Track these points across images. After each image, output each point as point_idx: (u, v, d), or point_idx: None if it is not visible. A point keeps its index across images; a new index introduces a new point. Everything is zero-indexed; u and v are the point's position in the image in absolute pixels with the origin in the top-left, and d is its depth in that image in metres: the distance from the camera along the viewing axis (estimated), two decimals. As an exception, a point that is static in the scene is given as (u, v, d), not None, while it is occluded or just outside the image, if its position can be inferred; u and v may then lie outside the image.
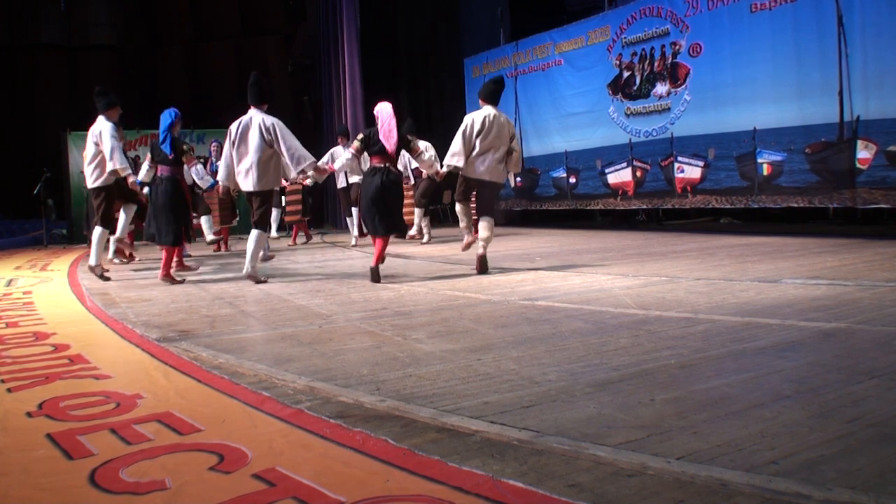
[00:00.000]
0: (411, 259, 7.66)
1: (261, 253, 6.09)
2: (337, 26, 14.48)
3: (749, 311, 3.69)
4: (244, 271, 5.93)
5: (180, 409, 2.34)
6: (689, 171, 9.63)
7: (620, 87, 10.70)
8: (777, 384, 2.39)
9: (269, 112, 6.02)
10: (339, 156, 9.28)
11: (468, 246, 6.26)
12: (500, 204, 6.26)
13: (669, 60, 9.85)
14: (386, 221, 5.61)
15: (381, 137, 5.62)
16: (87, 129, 6.79)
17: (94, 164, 6.48)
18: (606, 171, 10.90)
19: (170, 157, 6.08)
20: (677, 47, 9.70)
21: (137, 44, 16.98)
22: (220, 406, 2.41)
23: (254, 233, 5.88)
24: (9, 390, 2.70)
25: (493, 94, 6.06)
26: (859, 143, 7.59)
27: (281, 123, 5.87)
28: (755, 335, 3.14)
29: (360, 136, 5.84)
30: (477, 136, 5.87)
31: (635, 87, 10.43)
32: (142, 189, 6.97)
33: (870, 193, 7.55)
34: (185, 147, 6.16)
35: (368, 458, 1.85)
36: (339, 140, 10.06)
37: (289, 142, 5.79)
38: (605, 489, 1.60)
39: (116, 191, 6.62)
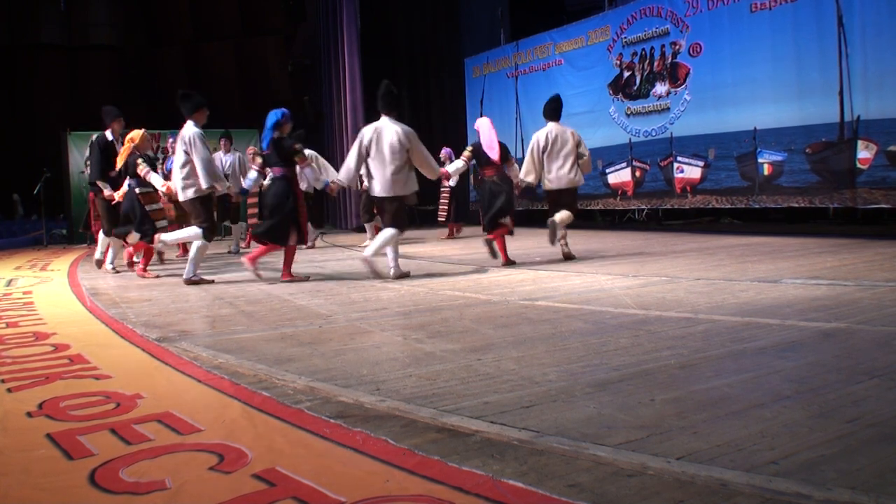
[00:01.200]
0: (411, 259, 7.66)
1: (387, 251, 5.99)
2: (337, 26, 14.47)
3: (749, 311, 3.68)
4: (391, 273, 5.85)
5: (180, 409, 2.34)
6: (689, 171, 9.63)
7: (621, 87, 10.70)
8: (777, 384, 2.39)
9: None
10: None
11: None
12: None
13: (669, 60, 9.86)
14: (491, 219, 6.37)
15: (485, 150, 6.36)
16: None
17: (185, 173, 5.92)
18: (607, 171, 10.90)
19: (273, 159, 5.90)
20: (677, 47, 9.70)
21: (137, 44, 16.99)
22: (220, 406, 2.41)
23: (387, 231, 5.92)
24: (9, 390, 2.70)
25: (554, 112, 6.82)
26: (860, 143, 7.58)
27: (414, 132, 6.03)
28: (755, 335, 3.14)
29: (470, 147, 6.61)
30: (542, 152, 6.66)
31: (636, 87, 10.43)
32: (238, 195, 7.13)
33: (870, 193, 7.55)
34: (296, 147, 5.95)
35: (368, 458, 1.85)
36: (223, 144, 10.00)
37: (423, 149, 6.05)
38: (605, 489, 1.60)
39: (210, 198, 6.20)
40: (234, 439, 2.02)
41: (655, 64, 10.08)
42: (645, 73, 10.26)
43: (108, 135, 7.15)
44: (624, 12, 10.69)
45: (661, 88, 10.01)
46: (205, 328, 3.96)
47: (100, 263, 7.23)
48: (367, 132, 5.93)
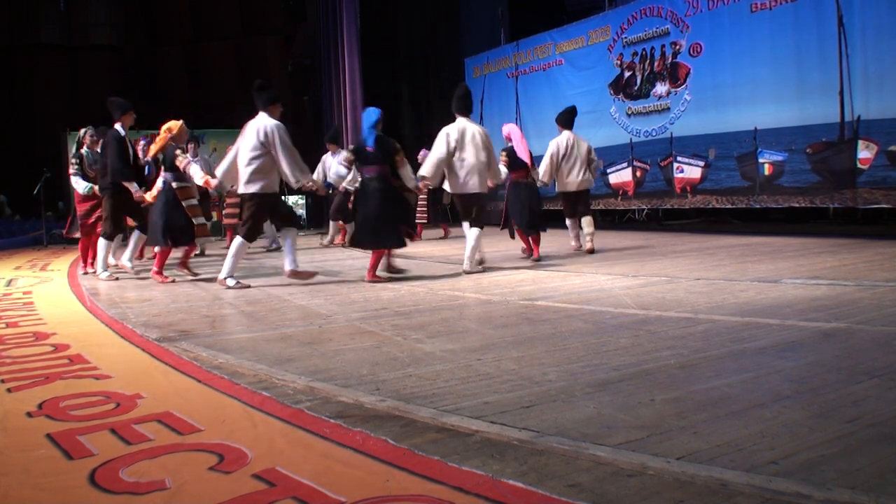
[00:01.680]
0: (411, 259, 7.66)
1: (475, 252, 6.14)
2: (337, 26, 14.47)
3: (749, 311, 3.68)
4: (464, 268, 6.07)
5: (180, 409, 2.34)
6: (689, 171, 9.63)
7: (622, 87, 10.70)
8: (777, 384, 2.39)
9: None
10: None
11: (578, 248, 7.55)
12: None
13: (669, 60, 9.86)
14: (530, 220, 6.74)
15: (519, 155, 6.75)
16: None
17: (255, 167, 5.54)
18: (608, 171, 10.90)
19: (378, 157, 5.68)
20: (677, 47, 9.70)
21: (137, 44, 16.98)
22: (220, 406, 2.41)
23: (472, 231, 6.10)
24: (9, 390, 2.70)
25: (569, 121, 7.52)
26: (860, 143, 7.59)
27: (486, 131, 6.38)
28: (755, 335, 3.14)
29: (505, 151, 6.86)
30: (561, 158, 7.36)
31: (636, 87, 10.43)
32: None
33: (870, 193, 7.55)
34: (398, 146, 5.83)
35: (368, 458, 1.85)
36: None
37: (493, 149, 6.37)
38: (605, 489, 1.60)
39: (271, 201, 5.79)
40: (234, 439, 2.02)
41: (656, 64, 10.08)
42: (645, 73, 10.26)
43: (121, 129, 6.54)
44: (624, 12, 10.70)
45: (661, 88, 10.01)
46: (205, 328, 3.96)
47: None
48: (452, 132, 6.11)
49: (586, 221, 7.34)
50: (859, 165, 7.61)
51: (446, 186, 6.35)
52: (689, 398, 2.26)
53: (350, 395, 2.45)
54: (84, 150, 7.02)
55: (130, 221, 6.87)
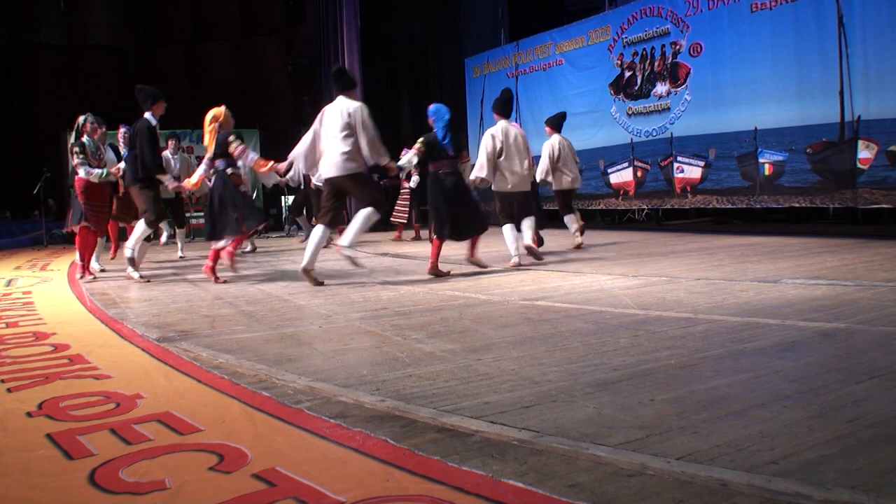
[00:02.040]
0: (411, 259, 7.66)
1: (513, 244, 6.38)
2: (337, 26, 14.47)
3: (749, 311, 3.68)
4: (512, 262, 6.26)
5: (180, 409, 2.34)
6: (689, 171, 9.63)
7: (622, 87, 10.70)
8: (777, 384, 2.39)
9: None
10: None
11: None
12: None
13: (670, 60, 9.86)
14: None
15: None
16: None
17: (346, 148, 5.51)
18: (609, 171, 10.90)
19: (451, 154, 5.94)
20: (678, 47, 9.70)
21: (137, 44, 16.98)
22: (220, 406, 2.41)
23: (530, 219, 6.50)
24: (9, 390, 2.70)
25: (559, 125, 8.02)
26: (860, 143, 7.59)
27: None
28: (755, 335, 3.14)
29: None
30: (557, 159, 7.86)
31: (637, 87, 10.43)
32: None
33: (871, 193, 7.55)
34: (463, 143, 6.25)
35: (368, 458, 1.85)
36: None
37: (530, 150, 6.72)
38: (605, 489, 1.60)
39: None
40: (234, 439, 2.02)
41: (656, 64, 10.08)
42: (646, 73, 10.26)
43: (152, 119, 6.26)
44: (624, 12, 10.70)
45: (661, 88, 10.01)
46: (205, 328, 3.95)
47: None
48: (497, 133, 6.38)
49: (573, 218, 7.88)
50: (859, 165, 7.61)
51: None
52: (689, 398, 2.26)
53: (350, 395, 2.45)
54: (85, 139, 6.57)
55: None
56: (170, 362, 3.10)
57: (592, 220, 12.71)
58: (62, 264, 8.61)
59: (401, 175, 8.61)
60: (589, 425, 2.04)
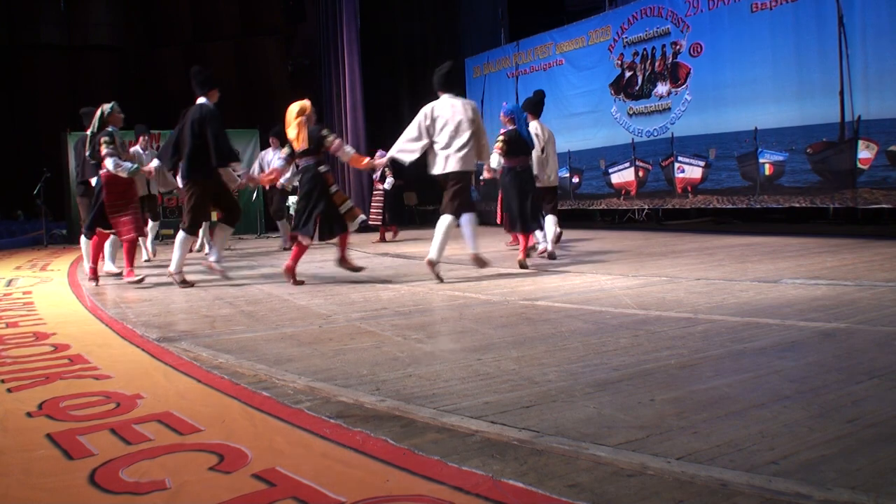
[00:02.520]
0: (411, 259, 7.66)
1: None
2: (337, 26, 14.47)
3: (749, 311, 3.68)
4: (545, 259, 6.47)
5: (180, 409, 2.34)
6: (690, 171, 9.63)
7: (622, 87, 10.70)
8: (777, 384, 2.39)
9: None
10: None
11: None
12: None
13: (670, 60, 9.86)
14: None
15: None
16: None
17: (472, 144, 5.57)
18: (610, 171, 10.90)
19: (531, 148, 6.31)
20: (678, 47, 9.70)
21: (137, 44, 16.99)
22: (220, 406, 2.41)
23: (553, 217, 6.74)
24: (9, 390, 2.70)
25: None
26: (860, 143, 7.59)
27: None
28: (755, 335, 3.14)
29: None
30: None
31: (637, 87, 10.43)
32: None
33: (871, 193, 7.55)
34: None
35: (368, 458, 1.85)
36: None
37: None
38: (605, 489, 1.60)
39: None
40: (234, 439, 2.02)
41: (657, 64, 10.08)
42: (647, 73, 10.26)
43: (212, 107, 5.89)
44: (624, 12, 10.70)
45: (662, 88, 10.01)
46: (205, 328, 3.96)
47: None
48: (541, 130, 6.81)
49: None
50: (859, 165, 7.61)
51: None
52: (689, 398, 2.26)
53: (350, 395, 2.45)
54: (111, 128, 6.00)
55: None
56: (170, 362, 3.10)
57: (592, 220, 12.72)
58: (62, 264, 8.61)
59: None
60: (589, 425, 2.04)
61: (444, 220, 5.59)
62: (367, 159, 6.19)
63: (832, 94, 7.78)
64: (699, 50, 9.42)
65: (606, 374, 2.59)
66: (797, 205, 8.42)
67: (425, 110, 5.75)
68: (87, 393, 2.62)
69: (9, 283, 6.74)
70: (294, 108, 5.73)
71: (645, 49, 10.28)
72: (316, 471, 1.76)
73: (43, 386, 2.75)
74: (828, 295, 4.09)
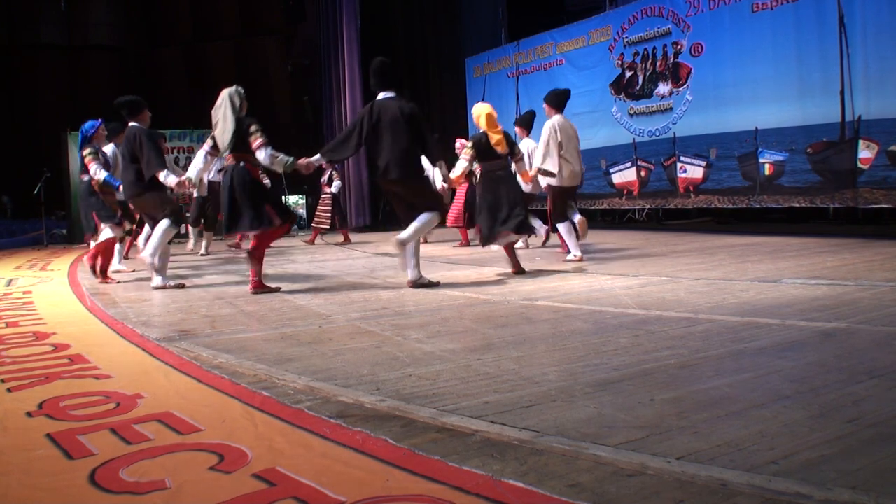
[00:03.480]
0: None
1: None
2: (337, 26, 14.46)
3: (749, 311, 3.68)
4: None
5: (180, 409, 2.34)
6: (692, 170, 9.63)
7: (623, 87, 10.70)
8: (777, 384, 2.39)
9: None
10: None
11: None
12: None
13: (671, 60, 9.86)
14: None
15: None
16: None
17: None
18: (611, 170, 10.90)
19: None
20: (679, 47, 9.70)
21: (137, 44, 16.98)
22: (220, 406, 2.41)
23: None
24: (9, 390, 2.70)
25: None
26: (861, 142, 7.58)
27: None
28: (755, 335, 3.14)
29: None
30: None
31: (638, 87, 10.43)
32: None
33: (871, 193, 7.55)
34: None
35: (368, 458, 1.85)
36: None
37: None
38: (605, 489, 1.60)
39: None
40: (234, 439, 2.02)
41: (658, 64, 10.08)
42: (647, 73, 10.26)
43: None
44: (625, 12, 10.69)
45: (663, 88, 10.01)
46: (205, 328, 3.95)
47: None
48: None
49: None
50: (860, 165, 7.60)
51: None
52: (689, 398, 2.26)
53: (350, 395, 2.45)
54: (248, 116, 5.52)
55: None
56: (170, 362, 3.10)
57: (593, 220, 12.72)
58: (62, 264, 8.61)
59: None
60: (589, 425, 2.04)
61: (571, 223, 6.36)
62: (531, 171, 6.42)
63: (833, 94, 7.77)
64: (700, 50, 9.41)
65: (606, 374, 2.59)
66: (797, 205, 8.42)
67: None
68: (87, 393, 2.62)
69: (9, 282, 6.74)
70: (486, 111, 5.77)
71: (645, 49, 10.28)
72: (316, 471, 1.76)
73: (43, 386, 2.75)
74: (828, 295, 4.09)
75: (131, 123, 5.89)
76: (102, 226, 6.40)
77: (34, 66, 16.20)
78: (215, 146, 5.43)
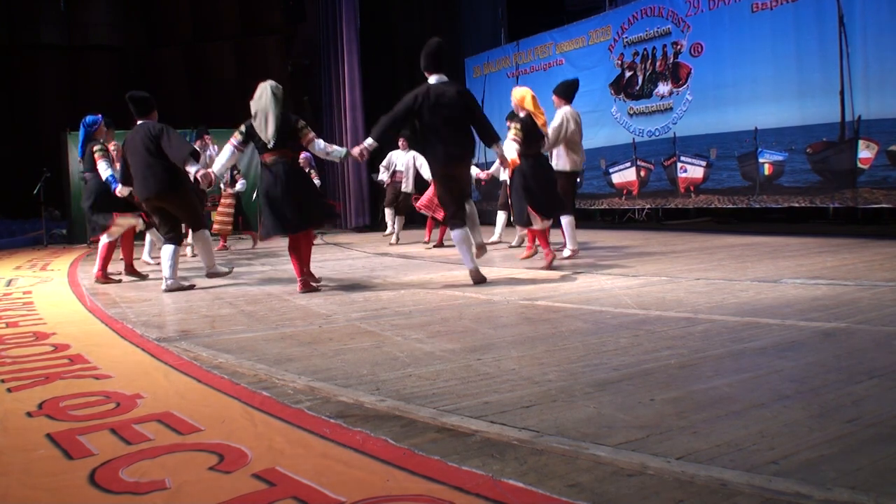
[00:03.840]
0: (411, 259, 7.66)
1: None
2: (337, 26, 14.46)
3: (749, 311, 3.68)
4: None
5: (180, 409, 2.34)
6: (692, 170, 9.63)
7: (623, 87, 10.70)
8: (777, 384, 2.39)
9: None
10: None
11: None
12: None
13: (671, 60, 9.85)
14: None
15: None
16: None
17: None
18: (611, 170, 10.90)
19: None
20: (678, 47, 9.69)
21: (137, 44, 16.99)
22: (220, 406, 2.41)
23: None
24: (9, 390, 2.70)
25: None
26: (861, 142, 7.58)
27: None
28: (755, 335, 3.14)
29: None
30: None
31: (637, 87, 10.43)
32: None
33: (871, 193, 7.54)
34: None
35: (368, 458, 1.85)
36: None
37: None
38: (605, 489, 1.60)
39: None
40: (234, 439, 2.02)
41: (658, 64, 10.08)
42: (647, 73, 10.26)
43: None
44: (625, 12, 10.69)
45: (663, 88, 10.01)
46: (205, 328, 3.96)
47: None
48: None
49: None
50: (860, 165, 7.60)
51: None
52: (689, 398, 2.26)
53: (350, 395, 2.45)
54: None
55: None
56: (170, 362, 3.10)
57: (592, 220, 12.72)
58: (62, 264, 8.61)
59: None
60: (589, 425, 2.04)
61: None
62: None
63: (832, 94, 7.77)
64: (700, 50, 9.41)
65: (606, 374, 2.59)
66: (797, 205, 8.41)
67: None
68: (87, 393, 2.62)
69: (9, 283, 6.74)
70: (526, 96, 5.99)
71: (645, 49, 10.28)
72: (316, 471, 1.76)
73: (43, 386, 2.75)
74: (828, 295, 4.09)
75: (140, 122, 5.80)
76: (119, 219, 6.33)
77: (34, 66, 16.20)
78: (244, 141, 5.26)
